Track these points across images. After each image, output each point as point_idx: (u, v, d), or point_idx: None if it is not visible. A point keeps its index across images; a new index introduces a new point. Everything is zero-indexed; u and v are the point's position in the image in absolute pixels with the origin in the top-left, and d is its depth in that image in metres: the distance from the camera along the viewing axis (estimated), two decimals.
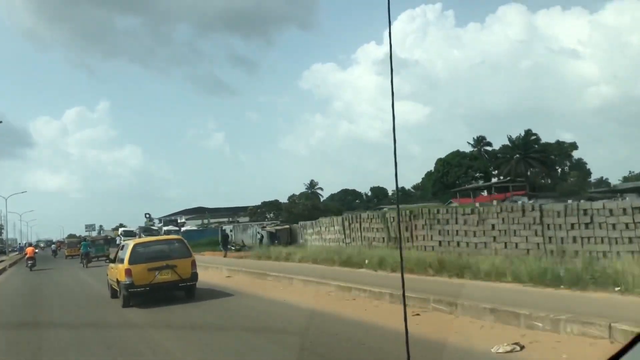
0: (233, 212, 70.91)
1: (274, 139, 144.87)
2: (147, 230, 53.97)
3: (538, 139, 61.33)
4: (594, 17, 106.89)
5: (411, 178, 79.64)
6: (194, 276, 11.81)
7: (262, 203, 59.94)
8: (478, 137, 72.27)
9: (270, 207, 55.72)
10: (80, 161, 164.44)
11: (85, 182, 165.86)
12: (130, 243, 11.82)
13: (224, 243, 29.67)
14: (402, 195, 77.57)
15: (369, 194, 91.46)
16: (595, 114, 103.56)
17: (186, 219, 75.62)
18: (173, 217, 79.06)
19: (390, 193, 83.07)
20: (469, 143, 71.42)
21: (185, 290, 12.01)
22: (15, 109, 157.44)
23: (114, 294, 12.96)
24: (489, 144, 73.05)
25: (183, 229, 48.86)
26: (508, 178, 51.30)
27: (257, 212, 57.58)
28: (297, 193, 75.54)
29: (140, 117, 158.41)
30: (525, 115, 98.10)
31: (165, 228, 55.01)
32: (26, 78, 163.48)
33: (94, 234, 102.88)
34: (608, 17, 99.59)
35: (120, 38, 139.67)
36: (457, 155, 55.77)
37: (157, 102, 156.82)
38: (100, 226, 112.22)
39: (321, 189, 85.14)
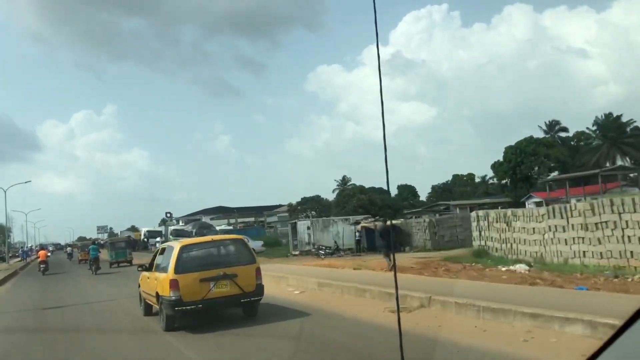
0: (257, 212, 70.07)
1: (280, 140, 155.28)
2: (205, 227, 46.73)
3: (628, 123, 57.12)
4: (601, 16, 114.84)
5: (417, 178, 80.00)
6: (259, 289, 9.71)
7: (302, 199, 58.08)
8: (551, 122, 68.21)
9: (313, 204, 53.85)
10: (88, 164, 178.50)
11: (93, 185, 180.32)
12: (176, 245, 9.75)
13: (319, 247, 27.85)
14: (453, 191, 74.71)
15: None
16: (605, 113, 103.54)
17: (210, 219, 74.85)
18: (196, 217, 78.48)
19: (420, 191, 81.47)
20: (540, 128, 67.69)
21: (245, 308, 9.96)
22: (23, 112, 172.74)
23: (148, 311, 11.26)
24: (565, 129, 68.99)
25: (218, 228, 45.46)
26: (618, 165, 47.58)
27: (298, 210, 55.75)
28: (299, 196, 74.34)
29: (147, 120, 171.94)
30: (532, 115, 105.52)
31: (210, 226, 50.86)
32: (34, 81, 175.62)
33: (105, 236, 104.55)
34: (615, 16, 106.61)
35: (127, 40, 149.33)
36: (530, 142, 52.17)
37: (163, 104, 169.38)
38: (110, 228, 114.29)
39: (354, 184, 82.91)
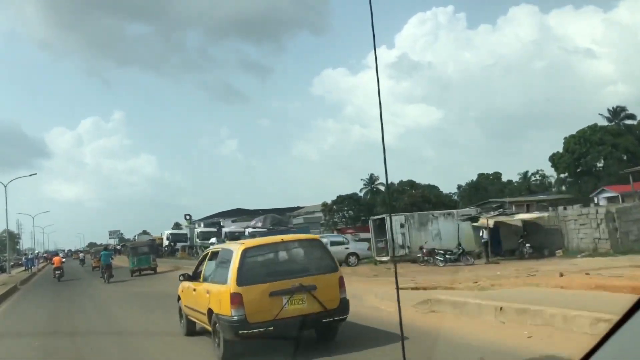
0: (277, 213, 68.32)
1: (286, 144, 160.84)
2: (281, 223, 39.07)
3: None
4: (608, 16, 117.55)
5: (424, 181, 79.99)
6: (344, 306, 7.89)
7: (337, 197, 56.40)
8: (615, 108, 64.97)
9: (350, 202, 52.16)
10: (96, 170, 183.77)
11: (101, 191, 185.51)
12: (235, 247, 7.95)
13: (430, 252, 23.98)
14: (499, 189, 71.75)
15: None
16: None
17: (232, 221, 73.77)
18: (215, 220, 77.48)
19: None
20: (602, 115, 64.62)
21: (323, 329, 8.20)
22: (31, 119, 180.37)
23: (191, 330, 9.70)
24: (631, 116, 65.62)
25: (249, 230, 38.37)
26: None
27: (333, 209, 53.98)
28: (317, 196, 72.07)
29: (154, 125, 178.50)
30: (540, 116, 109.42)
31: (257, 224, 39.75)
32: (41, 88, 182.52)
33: (117, 241, 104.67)
34: (622, 15, 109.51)
35: (133, 46, 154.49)
36: (595, 130, 49.27)
37: (170, 109, 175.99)
38: (121, 233, 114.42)
39: (382, 184, 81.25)
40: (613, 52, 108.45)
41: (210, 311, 7.98)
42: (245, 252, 7.65)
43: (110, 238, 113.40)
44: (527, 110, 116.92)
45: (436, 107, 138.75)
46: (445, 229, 26.12)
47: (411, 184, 51.91)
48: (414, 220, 27.03)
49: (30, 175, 63.72)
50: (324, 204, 56.12)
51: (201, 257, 10.24)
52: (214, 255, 8.88)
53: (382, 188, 79.41)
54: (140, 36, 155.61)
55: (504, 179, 71.26)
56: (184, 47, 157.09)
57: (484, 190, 68.35)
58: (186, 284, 9.82)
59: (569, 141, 50.45)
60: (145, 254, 31.14)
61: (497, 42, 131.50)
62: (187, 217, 60.44)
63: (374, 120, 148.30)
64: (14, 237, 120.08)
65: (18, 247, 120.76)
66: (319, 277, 7.71)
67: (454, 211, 29.59)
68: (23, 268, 48.35)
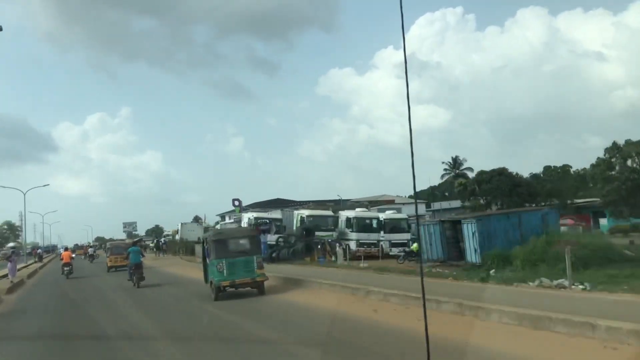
0: (320, 204, 63.62)
1: (292, 143, 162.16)
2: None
3: None
4: (617, 19, 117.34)
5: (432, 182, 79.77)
6: None
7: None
8: None
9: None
10: (102, 166, 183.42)
11: (106, 187, 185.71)
12: None
13: None
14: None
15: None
16: (623, 118, 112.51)
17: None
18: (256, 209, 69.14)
19: None
20: None
21: None
22: (37, 113, 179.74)
23: None
24: None
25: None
26: None
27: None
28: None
29: (160, 122, 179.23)
30: (550, 119, 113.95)
31: None
32: (47, 82, 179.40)
33: (125, 235, 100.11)
34: (632, 18, 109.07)
35: (139, 40, 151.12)
36: None
37: (176, 106, 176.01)
38: (136, 226, 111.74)
39: (471, 169, 72.77)
40: (623, 56, 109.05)
41: None
42: None
43: (124, 230, 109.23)
44: (536, 113, 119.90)
45: (445, 108, 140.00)
46: None
47: (500, 171, 48.62)
48: None
49: (44, 186, 63.55)
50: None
51: None
52: None
53: (471, 175, 70.76)
54: (147, 30, 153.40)
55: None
56: (192, 43, 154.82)
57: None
58: None
59: (611, 150, 46.52)
60: (245, 253, 16.18)
61: (506, 44, 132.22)
62: (236, 202, 51.52)
63: (380, 121, 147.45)
64: (15, 230, 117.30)
65: (19, 240, 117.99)
66: None
67: None
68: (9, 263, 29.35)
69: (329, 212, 38.23)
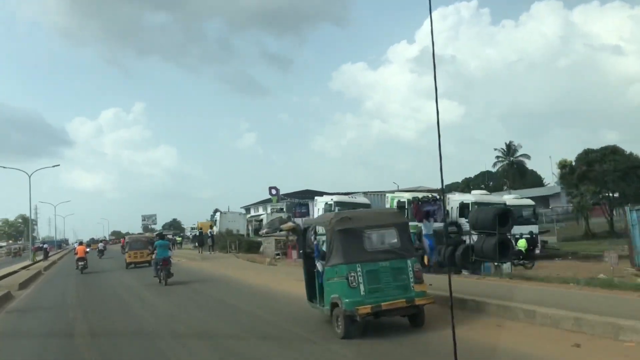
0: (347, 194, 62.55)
1: (305, 138, 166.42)
2: None
3: None
4: (635, 12, 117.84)
5: (447, 178, 75.62)
6: None
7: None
8: None
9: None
10: (116, 161, 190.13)
11: (120, 182, 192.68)
12: None
13: None
14: None
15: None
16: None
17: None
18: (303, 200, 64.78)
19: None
20: None
21: None
22: (53, 108, 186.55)
23: None
24: None
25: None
26: None
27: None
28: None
29: (174, 117, 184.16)
30: (565, 114, 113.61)
31: None
32: (62, 77, 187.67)
33: (152, 227, 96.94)
34: None
35: (153, 35, 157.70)
36: None
37: (190, 101, 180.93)
38: (156, 218, 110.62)
39: (528, 156, 68.72)
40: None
41: None
42: None
43: (143, 222, 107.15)
44: (552, 108, 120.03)
45: (458, 102, 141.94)
46: None
47: (613, 149, 43.61)
48: None
49: (53, 167, 63.73)
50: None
51: None
52: None
53: (527, 162, 68.09)
54: (161, 26, 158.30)
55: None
56: (205, 38, 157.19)
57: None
58: None
59: None
60: (392, 257, 8.84)
61: (521, 38, 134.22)
62: (273, 190, 47.62)
63: (393, 116, 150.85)
64: (28, 224, 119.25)
65: (34, 233, 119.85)
66: None
67: None
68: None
69: (498, 198, 29.91)
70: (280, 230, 34.13)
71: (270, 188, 47.15)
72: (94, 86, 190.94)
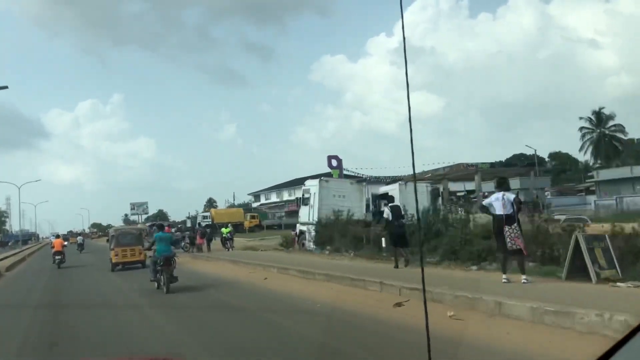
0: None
1: (286, 130, 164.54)
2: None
3: None
4: (610, 6, 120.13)
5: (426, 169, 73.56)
6: None
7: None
8: None
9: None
10: (94, 153, 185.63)
11: (99, 174, 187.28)
12: None
13: None
14: None
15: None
16: (618, 104, 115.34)
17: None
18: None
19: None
20: None
21: None
22: (27, 99, 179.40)
23: None
24: None
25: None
26: None
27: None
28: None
29: (153, 109, 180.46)
30: (543, 106, 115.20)
31: None
32: (37, 67, 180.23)
33: (143, 218, 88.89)
34: (624, 5, 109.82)
35: (130, 24, 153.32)
36: None
37: (169, 92, 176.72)
38: (147, 207, 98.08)
39: (622, 126, 59.67)
40: (616, 42, 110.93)
41: None
42: None
43: (132, 210, 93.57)
44: (530, 100, 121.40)
45: (437, 95, 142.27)
46: None
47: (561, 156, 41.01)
48: None
49: (36, 181, 60.90)
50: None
51: None
52: None
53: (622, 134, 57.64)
54: (138, 13, 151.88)
55: None
56: (184, 27, 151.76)
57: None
58: None
59: None
60: None
61: (500, 30, 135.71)
62: (334, 162, 36.82)
63: (374, 108, 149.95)
64: (1, 216, 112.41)
65: (5, 227, 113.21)
66: None
67: None
68: None
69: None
70: None
71: (330, 158, 35.55)
72: (70, 77, 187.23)
